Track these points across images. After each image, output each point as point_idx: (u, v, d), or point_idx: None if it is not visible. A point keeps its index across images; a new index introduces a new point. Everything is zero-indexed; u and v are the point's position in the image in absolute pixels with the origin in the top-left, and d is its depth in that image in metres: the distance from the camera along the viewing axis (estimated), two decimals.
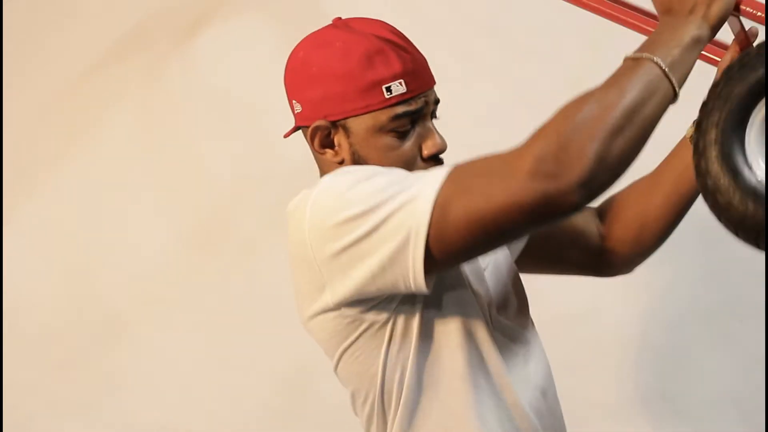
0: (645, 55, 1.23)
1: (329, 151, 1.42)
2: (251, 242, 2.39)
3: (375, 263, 1.28)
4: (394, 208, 1.26)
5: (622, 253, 1.62)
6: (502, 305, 1.45)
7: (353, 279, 1.30)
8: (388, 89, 1.38)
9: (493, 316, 1.42)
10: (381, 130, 1.39)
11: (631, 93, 1.20)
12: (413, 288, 1.28)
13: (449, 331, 1.37)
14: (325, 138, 1.41)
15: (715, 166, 1.22)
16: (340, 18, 1.46)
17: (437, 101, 1.44)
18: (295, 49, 1.45)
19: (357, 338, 1.37)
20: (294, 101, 1.44)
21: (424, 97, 1.40)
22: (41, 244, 2.45)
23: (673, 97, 1.23)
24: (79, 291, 2.43)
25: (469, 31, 2.29)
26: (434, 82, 1.44)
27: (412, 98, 1.39)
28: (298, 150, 1.60)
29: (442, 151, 1.42)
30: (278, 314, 2.32)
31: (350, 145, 1.40)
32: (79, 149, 2.44)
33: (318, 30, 1.46)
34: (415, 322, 1.36)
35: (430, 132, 1.42)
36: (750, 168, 1.22)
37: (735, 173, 1.22)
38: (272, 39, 2.35)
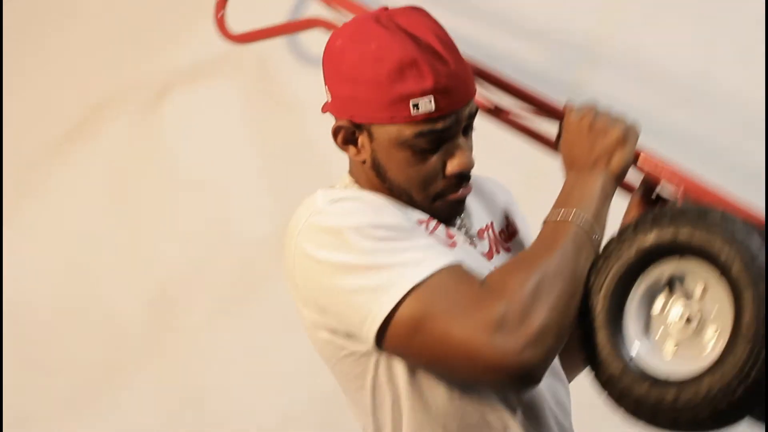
0: (570, 216, 1.31)
1: (352, 148, 1.39)
2: (256, 246, 2.39)
3: (333, 319, 1.32)
4: (363, 287, 1.27)
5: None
6: None
7: (317, 316, 1.34)
8: (416, 106, 1.32)
9: None
10: (404, 143, 1.34)
11: (571, 260, 1.29)
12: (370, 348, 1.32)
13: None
14: (349, 136, 1.38)
15: (608, 355, 1.29)
16: (385, 8, 1.40)
17: (472, 115, 1.38)
18: (334, 33, 1.41)
19: (340, 360, 1.37)
20: (326, 87, 1.40)
21: (454, 115, 1.34)
22: (41, 244, 2.45)
23: (597, 252, 1.33)
24: (79, 291, 2.43)
25: (469, 32, 2.29)
26: (470, 96, 1.37)
27: (439, 117, 1.33)
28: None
29: (467, 170, 1.38)
30: (281, 316, 2.32)
31: (372, 150, 1.37)
32: (80, 149, 2.43)
33: (362, 17, 1.40)
34: (400, 362, 1.35)
35: (457, 149, 1.36)
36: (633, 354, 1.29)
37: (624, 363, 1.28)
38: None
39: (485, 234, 1.48)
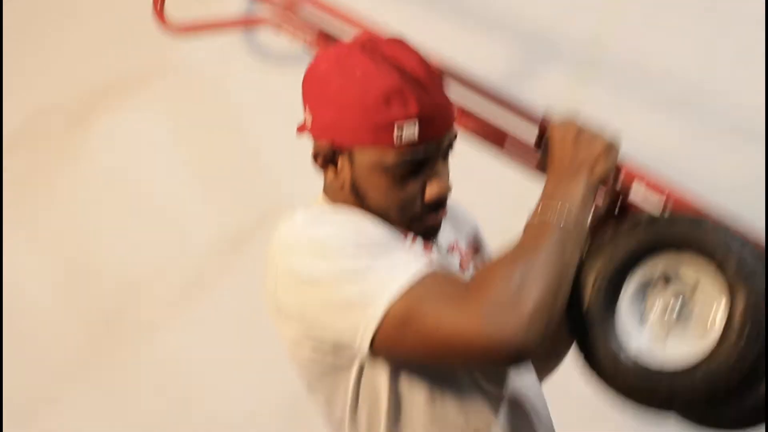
0: (555, 212, 1.34)
1: (331, 170, 1.40)
2: (256, 246, 2.39)
3: (325, 327, 1.32)
4: (350, 296, 1.29)
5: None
6: None
7: (298, 334, 1.35)
8: (400, 134, 1.33)
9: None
10: (385, 169, 1.35)
11: (557, 256, 1.30)
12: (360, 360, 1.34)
13: (426, 386, 1.37)
14: (328, 158, 1.39)
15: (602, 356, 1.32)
16: (369, 35, 1.44)
17: (452, 141, 1.40)
18: (318, 57, 1.43)
19: (320, 376, 1.38)
20: (307, 107, 1.41)
21: (436, 142, 1.36)
22: (41, 244, 2.45)
23: (584, 237, 1.36)
24: (79, 291, 2.43)
25: (466, 32, 2.29)
26: (451, 124, 1.39)
27: (423, 144, 1.35)
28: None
29: (443, 198, 1.40)
30: None
31: (352, 173, 1.38)
32: (80, 149, 2.43)
33: (345, 46, 1.42)
34: (383, 374, 1.36)
35: (436, 176, 1.38)
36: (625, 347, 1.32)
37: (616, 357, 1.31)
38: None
39: (455, 250, 1.51)
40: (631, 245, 1.33)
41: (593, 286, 1.33)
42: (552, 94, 2.21)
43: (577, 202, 1.35)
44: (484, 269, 1.32)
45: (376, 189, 1.37)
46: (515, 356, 1.26)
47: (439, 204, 1.40)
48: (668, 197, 1.44)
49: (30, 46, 2.44)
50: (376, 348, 1.29)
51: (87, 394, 2.43)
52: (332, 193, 1.43)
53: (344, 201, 1.41)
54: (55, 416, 2.44)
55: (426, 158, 1.36)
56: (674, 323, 1.32)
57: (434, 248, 1.44)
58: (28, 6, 2.44)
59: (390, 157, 1.35)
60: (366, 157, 1.36)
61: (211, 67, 2.37)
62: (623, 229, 1.34)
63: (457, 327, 1.25)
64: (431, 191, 1.38)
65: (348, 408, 1.37)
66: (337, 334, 1.31)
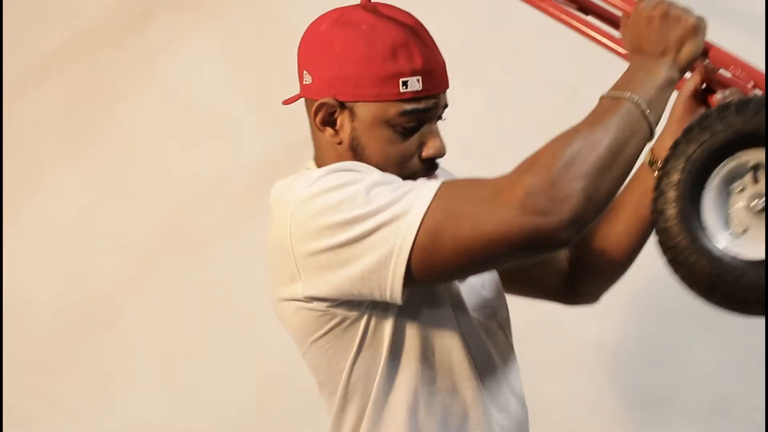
0: (626, 95, 1.28)
1: (329, 130, 1.40)
2: (256, 246, 2.39)
3: (354, 272, 1.28)
4: (380, 222, 1.26)
5: (585, 280, 1.61)
6: (482, 321, 1.44)
7: (328, 281, 1.31)
8: (405, 84, 1.36)
9: (471, 330, 1.41)
10: (387, 122, 1.37)
11: (616, 133, 1.24)
12: (388, 300, 1.29)
13: (422, 339, 1.38)
14: (328, 116, 1.39)
15: (674, 226, 1.26)
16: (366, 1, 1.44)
17: (446, 105, 1.43)
18: (317, 20, 1.43)
19: (327, 332, 1.37)
20: (305, 71, 1.42)
21: (435, 98, 1.39)
22: (41, 244, 2.45)
23: (650, 136, 1.28)
24: (79, 291, 2.43)
25: (465, 32, 2.29)
26: (448, 86, 1.42)
27: (424, 97, 1.37)
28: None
29: (441, 155, 1.41)
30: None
31: (352, 129, 1.39)
32: (80, 149, 2.43)
33: (344, 7, 1.42)
34: (388, 324, 1.36)
35: (433, 134, 1.40)
36: (704, 230, 1.26)
37: (693, 236, 1.26)
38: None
39: None
40: (720, 137, 1.25)
41: (683, 170, 1.25)
42: (552, 94, 2.21)
43: (657, 84, 1.30)
44: (532, 154, 1.25)
45: (376, 143, 1.38)
46: (558, 245, 1.22)
47: (435, 162, 1.41)
48: (757, 81, 1.41)
49: (30, 45, 2.44)
50: (413, 266, 1.26)
51: (87, 394, 2.43)
52: (324, 157, 1.42)
53: (340, 161, 1.39)
54: (54, 417, 2.44)
55: (427, 111, 1.38)
56: (756, 216, 1.26)
57: None
58: (28, 6, 2.44)
59: (393, 109, 1.36)
60: (368, 111, 1.37)
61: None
62: (713, 114, 1.26)
63: (495, 221, 1.21)
64: (428, 148, 1.39)
65: (348, 365, 1.37)
66: (365, 270, 1.28)
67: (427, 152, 1.40)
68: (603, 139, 1.23)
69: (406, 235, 1.25)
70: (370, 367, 1.37)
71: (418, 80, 1.36)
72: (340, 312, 1.35)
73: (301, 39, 1.43)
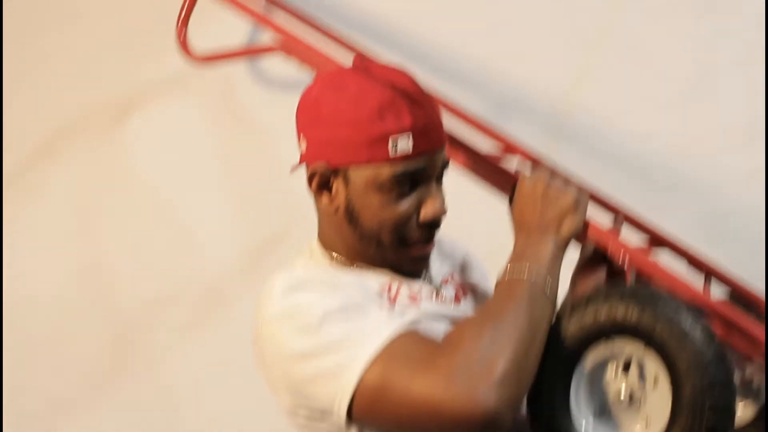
0: (522, 275, 1.32)
1: (326, 195, 1.40)
2: (255, 246, 2.39)
3: (310, 397, 1.32)
4: (326, 368, 1.28)
5: None
6: None
7: (285, 401, 1.37)
8: (394, 145, 1.34)
9: None
10: (380, 187, 1.36)
11: (526, 316, 1.28)
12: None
13: None
14: (323, 182, 1.39)
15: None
16: (360, 59, 1.44)
17: (446, 164, 1.41)
18: (311, 84, 1.43)
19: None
20: (301, 136, 1.42)
21: (429, 157, 1.37)
22: (42, 244, 2.45)
23: (554, 308, 1.34)
24: (79, 291, 2.43)
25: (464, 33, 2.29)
26: (444, 142, 1.40)
27: (416, 156, 1.35)
28: None
29: (439, 217, 1.40)
30: None
31: (347, 195, 1.38)
32: (79, 149, 2.43)
33: (336, 70, 1.44)
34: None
35: (430, 196, 1.38)
36: (569, 409, 1.32)
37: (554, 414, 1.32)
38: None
39: (449, 282, 1.51)
40: (588, 323, 1.31)
41: (551, 357, 1.31)
42: (551, 94, 2.21)
43: (546, 261, 1.34)
44: (453, 331, 1.30)
45: (370, 208, 1.37)
46: (489, 423, 1.22)
47: (434, 225, 1.40)
48: (632, 260, 1.46)
49: (30, 46, 2.44)
50: (354, 416, 1.29)
51: (87, 394, 2.43)
52: (325, 230, 1.44)
53: (337, 232, 1.42)
54: (55, 416, 2.44)
55: (420, 172, 1.36)
56: (624, 409, 1.31)
57: (422, 288, 1.44)
58: (29, 9, 2.44)
59: (385, 172, 1.35)
60: (361, 176, 1.36)
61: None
62: (582, 303, 1.32)
63: (425, 394, 1.23)
64: (426, 210, 1.38)
65: None
66: (321, 403, 1.31)
67: (423, 216, 1.38)
68: (517, 326, 1.27)
69: (346, 388, 1.28)
70: None
71: (408, 139, 1.34)
72: (325, 423, 1.36)
73: (298, 103, 1.43)
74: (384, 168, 1.35)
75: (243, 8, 1.95)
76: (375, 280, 1.41)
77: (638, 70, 2.16)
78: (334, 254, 1.45)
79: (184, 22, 2.05)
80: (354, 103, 1.35)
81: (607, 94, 2.15)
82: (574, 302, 1.33)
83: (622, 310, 1.29)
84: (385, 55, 2.10)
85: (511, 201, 1.45)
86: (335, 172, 1.38)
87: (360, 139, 1.34)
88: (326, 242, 1.46)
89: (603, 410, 1.33)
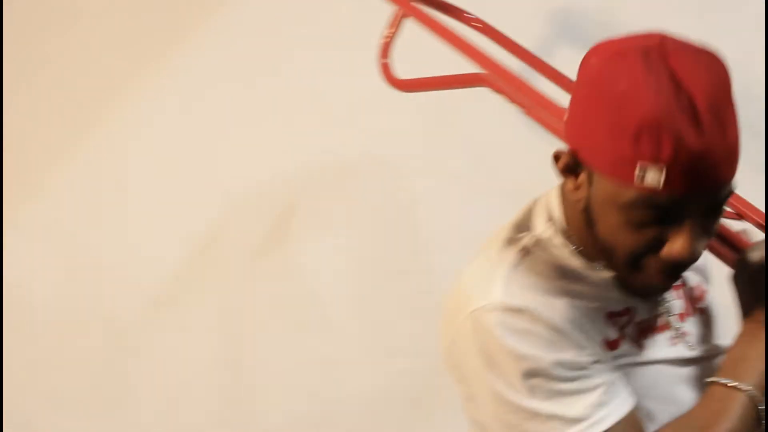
0: (741, 385, 1.19)
1: (570, 181, 1.20)
2: (255, 246, 2.39)
3: None
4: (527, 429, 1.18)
5: None
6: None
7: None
8: (642, 174, 1.09)
9: None
10: (620, 207, 1.13)
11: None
12: None
13: None
14: (569, 166, 1.20)
15: None
16: (667, 36, 1.16)
17: (723, 198, 1.15)
18: (600, 44, 1.19)
19: None
20: (571, 99, 1.22)
21: (690, 198, 1.11)
22: (41, 244, 2.45)
23: (763, 416, 1.21)
24: (79, 291, 2.43)
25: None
26: (724, 180, 1.13)
27: (666, 194, 1.10)
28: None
29: (682, 260, 1.15)
30: (280, 317, 2.32)
31: (588, 195, 1.18)
32: (80, 149, 2.43)
33: (631, 41, 1.16)
34: None
35: (683, 233, 1.12)
36: None
37: None
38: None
39: (684, 312, 1.35)
40: None
41: None
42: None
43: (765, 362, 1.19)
44: None
45: (607, 224, 1.16)
46: None
47: (677, 268, 1.18)
48: None
49: (30, 46, 2.44)
50: None
51: (87, 394, 2.43)
52: (568, 207, 1.26)
53: (575, 220, 1.23)
54: (55, 416, 2.44)
55: (674, 210, 1.12)
56: None
57: (659, 332, 1.29)
58: (29, 6, 2.44)
59: (627, 196, 1.12)
60: (603, 187, 1.15)
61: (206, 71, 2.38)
62: None
63: None
64: (670, 249, 1.14)
65: None
66: None
67: (666, 253, 1.14)
68: None
69: None
70: None
71: (660, 174, 1.09)
72: None
73: (581, 62, 1.20)
74: (628, 191, 1.12)
75: (450, 38, 1.69)
76: (607, 298, 1.24)
77: None
78: (575, 247, 1.25)
79: (386, 46, 1.87)
80: (617, 103, 1.11)
81: None
82: None
83: None
84: None
85: (738, 276, 1.25)
86: (582, 164, 1.17)
87: (608, 148, 1.12)
88: (569, 222, 1.26)
89: None
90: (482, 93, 2.10)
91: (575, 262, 1.25)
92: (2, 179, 2.44)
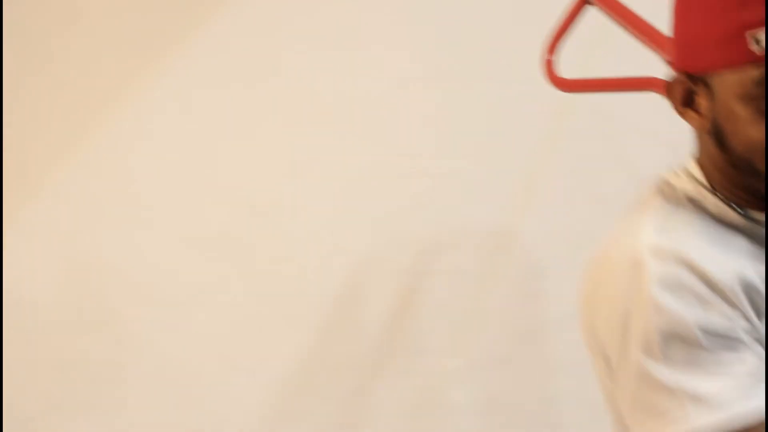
0: None
1: (691, 113, 1.11)
2: (255, 246, 2.39)
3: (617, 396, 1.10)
4: (653, 406, 1.03)
5: None
6: None
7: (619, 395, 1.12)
8: (757, 39, 1.00)
9: None
10: (746, 96, 1.02)
11: None
12: None
13: None
14: (686, 95, 1.11)
15: None
16: None
17: None
18: None
19: None
20: (671, 21, 1.13)
21: None
22: (41, 244, 2.45)
23: None
24: (79, 291, 2.43)
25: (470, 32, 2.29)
26: None
27: None
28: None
29: None
30: (279, 316, 2.32)
31: (712, 110, 1.07)
32: (80, 149, 2.43)
33: None
34: None
35: None
36: None
37: None
38: None
39: None
40: None
41: None
42: (550, 95, 2.22)
43: None
44: None
45: (736, 126, 1.04)
46: None
47: None
48: None
49: (31, 46, 2.44)
50: None
51: (88, 394, 2.43)
52: (702, 153, 1.15)
53: (709, 155, 1.12)
54: (55, 416, 2.44)
55: None
56: None
57: None
58: (29, 6, 2.44)
59: (748, 77, 1.01)
60: (724, 84, 1.04)
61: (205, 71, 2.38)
62: None
63: None
64: None
65: None
66: (621, 408, 1.10)
67: None
68: None
69: None
70: None
71: None
72: None
73: None
74: (747, 72, 1.02)
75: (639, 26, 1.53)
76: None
77: (638, 70, 2.16)
78: (712, 195, 1.12)
79: (556, 40, 1.75)
80: None
81: (607, 94, 2.15)
82: None
83: None
84: None
85: None
86: (695, 81, 1.08)
87: (712, 34, 1.03)
88: (704, 170, 1.15)
89: None
90: (483, 93, 2.10)
91: (731, 214, 1.11)
92: (2, 179, 2.44)
